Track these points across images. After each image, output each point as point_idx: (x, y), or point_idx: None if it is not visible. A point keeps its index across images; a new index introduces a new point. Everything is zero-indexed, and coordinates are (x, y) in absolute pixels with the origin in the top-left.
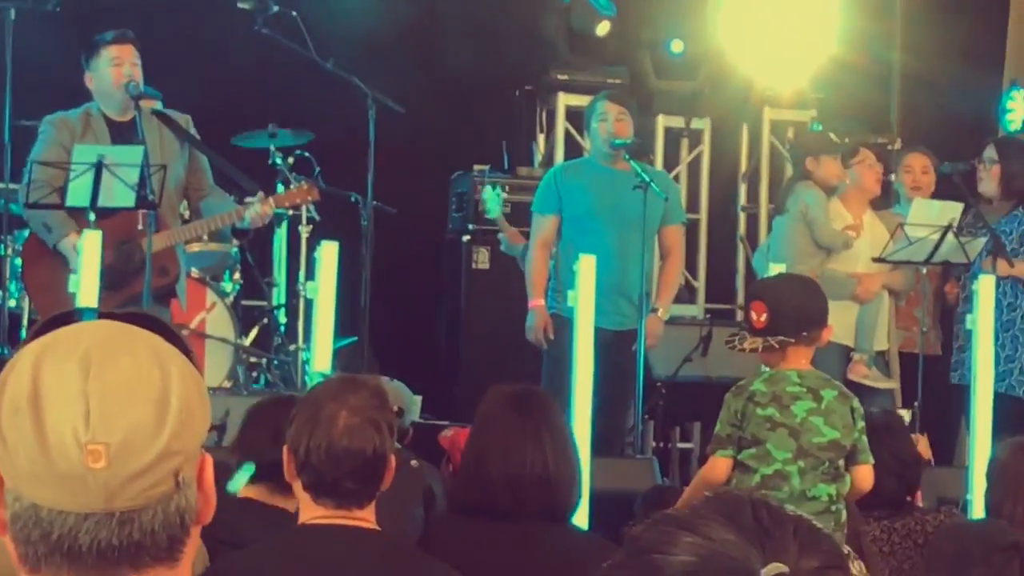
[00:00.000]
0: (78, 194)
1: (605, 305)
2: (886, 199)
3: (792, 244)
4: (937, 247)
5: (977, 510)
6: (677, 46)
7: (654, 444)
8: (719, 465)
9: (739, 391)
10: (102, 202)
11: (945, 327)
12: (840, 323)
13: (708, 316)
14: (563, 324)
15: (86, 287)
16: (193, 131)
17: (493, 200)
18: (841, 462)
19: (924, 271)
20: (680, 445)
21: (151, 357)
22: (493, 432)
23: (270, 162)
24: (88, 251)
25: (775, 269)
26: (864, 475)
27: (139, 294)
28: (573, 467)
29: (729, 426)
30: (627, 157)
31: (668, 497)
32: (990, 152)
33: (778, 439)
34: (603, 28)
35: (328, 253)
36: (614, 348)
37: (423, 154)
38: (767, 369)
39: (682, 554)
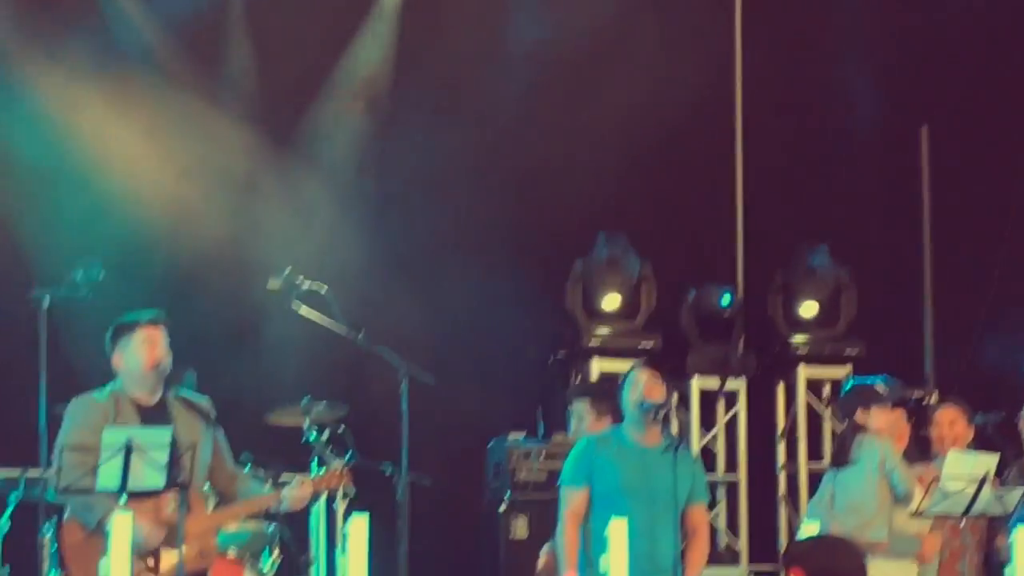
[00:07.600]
0: (108, 477)
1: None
2: (922, 454)
3: (874, 497)
4: (974, 499)
5: None
6: (722, 304)
7: None
8: None
9: None
10: (132, 485)
11: None
12: None
13: None
14: None
15: (117, 570)
16: (213, 415)
17: None
18: None
19: (963, 523)
20: None
21: None
22: None
23: (303, 440)
24: (118, 534)
25: (808, 530)
26: None
27: None
28: None
29: None
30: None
31: None
32: None
33: None
34: (611, 302)
35: (358, 527)
36: None
37: (457, 423)
38: None
39: None
